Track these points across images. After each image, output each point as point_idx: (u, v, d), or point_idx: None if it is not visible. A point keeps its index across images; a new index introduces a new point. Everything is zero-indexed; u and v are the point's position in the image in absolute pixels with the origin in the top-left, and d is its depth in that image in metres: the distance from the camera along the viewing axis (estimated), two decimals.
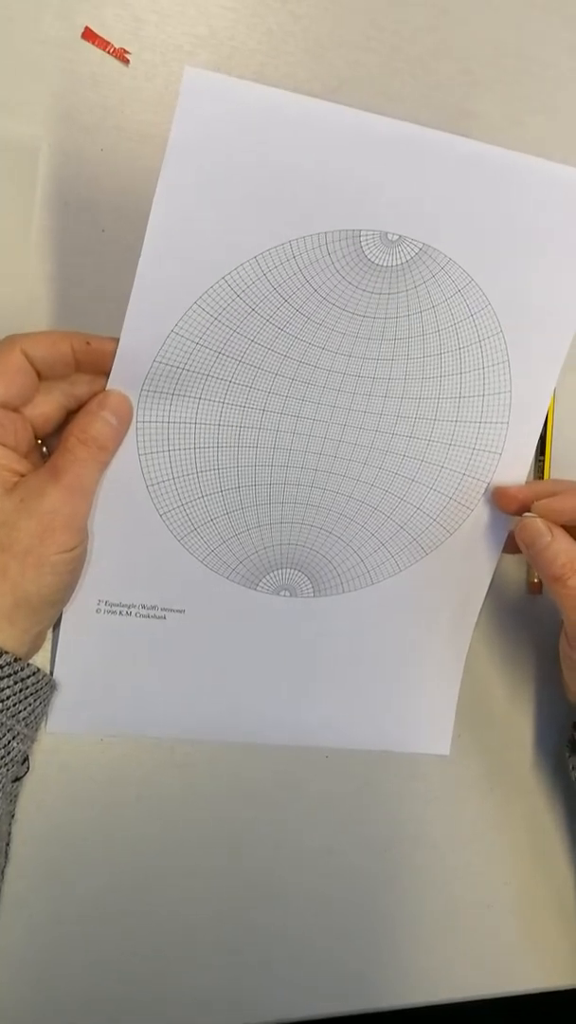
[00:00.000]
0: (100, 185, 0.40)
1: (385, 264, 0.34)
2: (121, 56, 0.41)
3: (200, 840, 0.38)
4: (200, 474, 0.35)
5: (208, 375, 0.34)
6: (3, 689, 0.30)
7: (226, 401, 0.34)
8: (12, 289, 0.39)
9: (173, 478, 0.35)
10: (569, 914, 0.43)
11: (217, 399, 0.34)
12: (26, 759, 0.34)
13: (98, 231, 0.40)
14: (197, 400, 0.34)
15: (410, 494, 0.38)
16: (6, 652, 0.30)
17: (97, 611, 0.35)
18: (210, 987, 0.38)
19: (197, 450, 0.34)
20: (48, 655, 0.36)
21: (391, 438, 0.37)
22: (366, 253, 0.33)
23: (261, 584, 0.38)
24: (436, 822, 0.42)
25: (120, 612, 0.36)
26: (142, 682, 0.37)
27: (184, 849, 0.38)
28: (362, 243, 0.33)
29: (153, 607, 0.36)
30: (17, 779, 0.33)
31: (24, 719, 0.31)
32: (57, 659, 0.35)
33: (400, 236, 0.33)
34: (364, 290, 0.34)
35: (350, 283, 0.34)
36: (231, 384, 0.34)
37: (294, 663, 0.39)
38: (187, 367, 0.33)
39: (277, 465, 0.36)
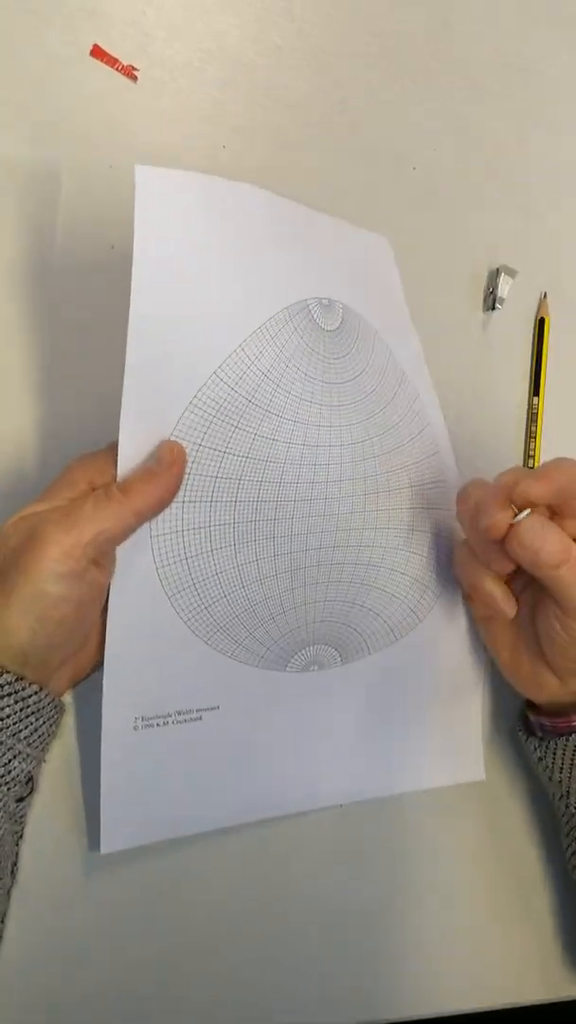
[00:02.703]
0: (109, 202, 0.40)
1: (330, 328, 0.36)
2: (129, 73, 0.42)
3: (203, 859, 0.39)
4: (220, 575, 0.35)
5: (217, 476, 0.33)
6: (3, 708, 0.30)
7: (238, 499, 0.34)
8: (28, 313, 0.39)
9: (193, 584, 0.34)
10: (571, 924, 0.43)
11: (228, 499, 0.34)
12: (30, 779, 0.33)
13: (107, 248, 0.40)
14: (209, 503, 0.34)
15: (414, 543, 0.39)
16: (7, 672, 0.30)
17: (135, 729, 0.34)
18: (210, 999, 0.38)
19: (214, 552, 0.34)
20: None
21: (378, 496, 0.38)
22: (315, 319, 0.35)
23: (290, 664, 0.38)
24: (439, 834, 0.42)
25: (157, 724, 0.35)
26: (185, 784, 0.36)
27: (187, 867, 0.38)
28: (311, 311, 0.35)
29: (188, 711, 0.36)
30: (21, 799, 0.33)
31: (26, 738, 0.31)
32: (103, 785, 0.34)
33: (329, 300, 0.36)
34: (325, 357, 0.35)
35: (315, 352, 0.35)
36: (242, 482, 0.34)
37: (331, 729, 0.39)
38: (193, 471, 0.33)
39: (296, 551, 0.36)
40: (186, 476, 0.33)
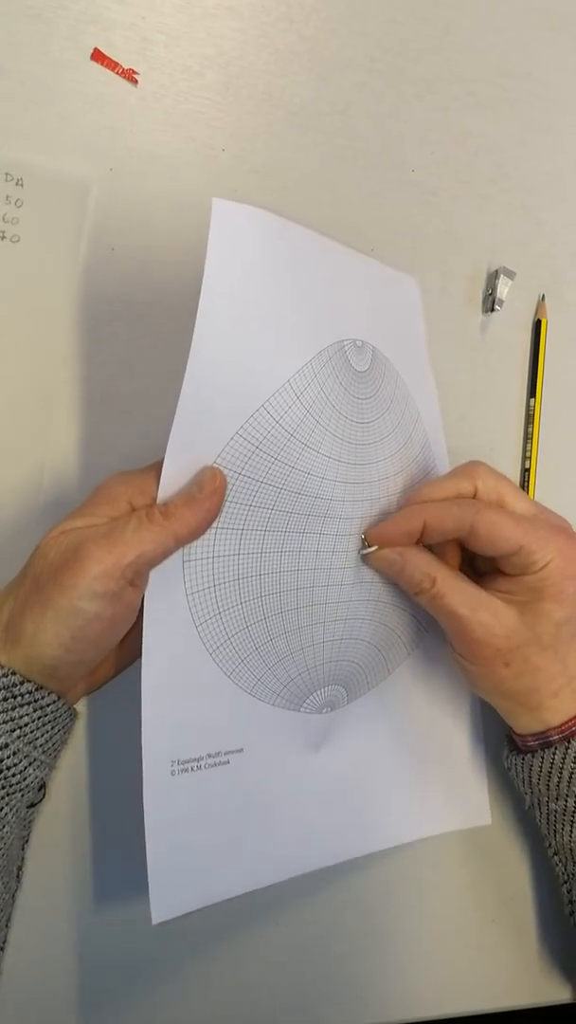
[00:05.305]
0: (109, 205, 0.40)
1: (361, 369, 0.36)
2: (130, 77, 0.42)
3: None
4: (243, 604, 0.34)
5: (251, 504, 0.33)
6: (22, 716, 0.30)
7: (268, 528, 0.34)
8: (49, 316, 0.39)
9: (219, 612, 0.34)
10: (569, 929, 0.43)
11: (260, 528, 0.34)
12: (43, 786, 0.33)
13: (107, 250, 0.40)
14: (240, 531, 0.33)
15: None
16: (28, 680, 0.30)
17: (172, 774, 0.33)
18: (215, 1006, 0.38)
19: (240, 580, 0.34)
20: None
21: None
22: (350, 360, 0.36)
23: (305, 705, 0.37)
24: (439, 837, 0.42)
25: (192, 768, 0.33)
26: (223, 839, 0.35)
27: None
28: (346, 352, 0.36)
29: (217, 753, 0.34)
30: (32, 805, 0.33)
31: (41, 746, 0.31)
32: (149, 849, 0.32)
33: (362, 341, 0.37)
34: (356, 397, 0.36)
35: (348, 391, 0.36)
36: (273, 512, 0.34)
37: (344, 775, 0.39)
38: (229, 499, 0.33)
39: (319, 586, 0.36)
40: (224, 503, 0.33)
